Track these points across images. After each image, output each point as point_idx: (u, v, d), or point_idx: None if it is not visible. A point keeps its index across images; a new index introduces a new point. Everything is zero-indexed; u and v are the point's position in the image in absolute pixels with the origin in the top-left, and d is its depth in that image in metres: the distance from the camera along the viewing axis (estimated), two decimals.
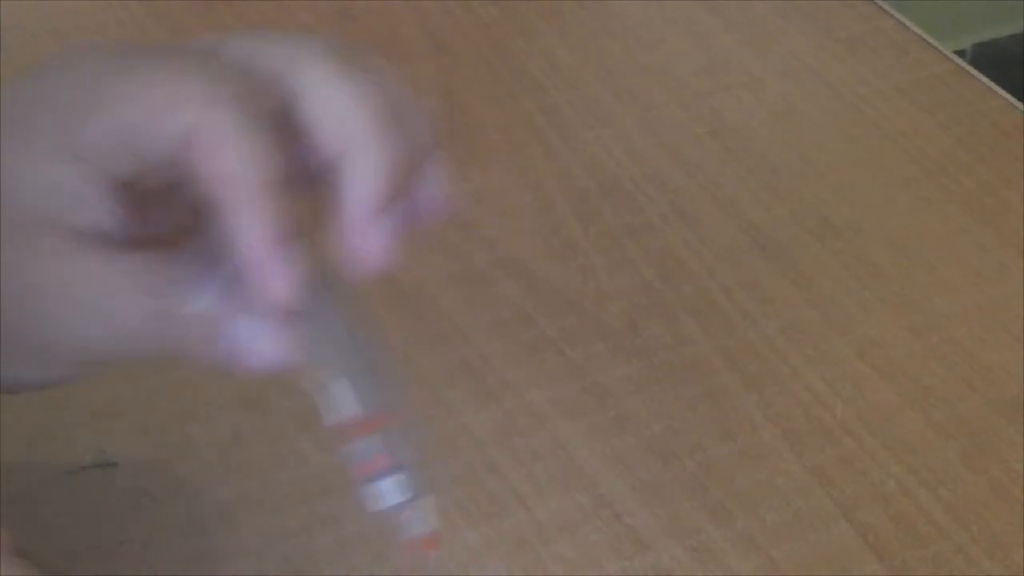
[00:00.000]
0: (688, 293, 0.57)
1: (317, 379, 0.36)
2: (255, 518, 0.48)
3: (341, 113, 0.35)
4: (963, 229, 0.61)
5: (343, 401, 0.36)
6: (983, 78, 0.69)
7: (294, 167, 0.35)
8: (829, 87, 0.68)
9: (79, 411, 0.51)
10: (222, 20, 0.69)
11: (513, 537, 0.48)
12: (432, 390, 0.53)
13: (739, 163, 0.63)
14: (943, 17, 1.83)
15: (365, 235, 0.36)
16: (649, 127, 0.65)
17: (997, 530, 0.49)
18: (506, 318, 0.56)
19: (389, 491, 0.36)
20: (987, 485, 0.51)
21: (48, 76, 0.36)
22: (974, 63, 0.70)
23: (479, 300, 0.56)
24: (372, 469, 0.36)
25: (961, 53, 1.83)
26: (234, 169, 0.33)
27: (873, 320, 0.57)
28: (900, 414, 0.53)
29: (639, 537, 0.48)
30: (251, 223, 0.34)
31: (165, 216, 0.36)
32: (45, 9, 0.69)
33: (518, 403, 0.52)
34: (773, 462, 0.51)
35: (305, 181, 0.36)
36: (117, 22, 0.69)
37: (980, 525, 0.50)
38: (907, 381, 0.54)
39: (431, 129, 0.37)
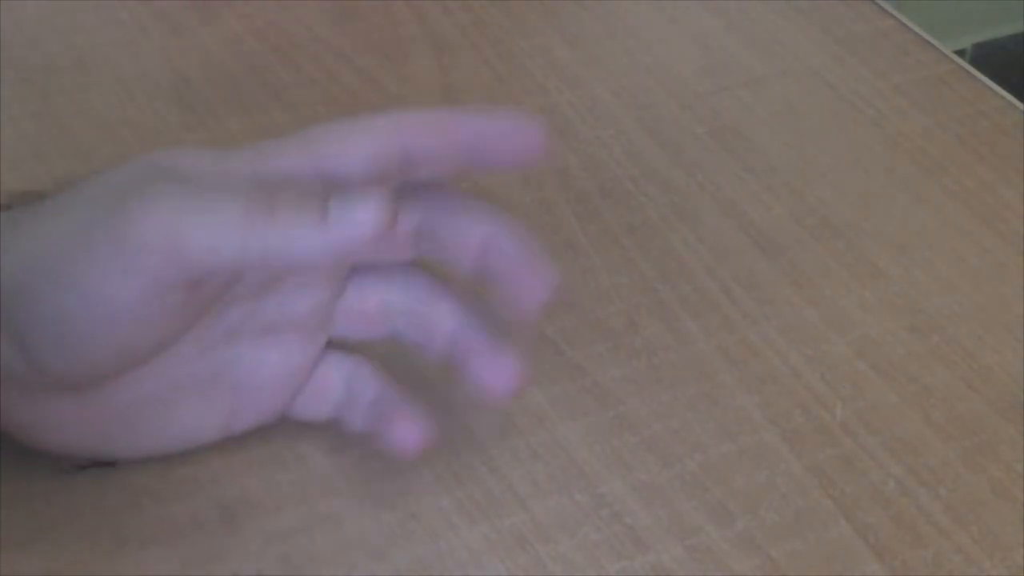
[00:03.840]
0: (688, 293, 0.57)
1: None
2: (255, 518, 0.48)
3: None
4: (963, 229, 0.61)
5: None
6: (983, 78, 0.69)
7: None
8: (829, 87, 0.68)
9: None
10: (222, 20, 0.69)
11: (513, 537, 0.48)
12: (432, 390, 0.52)
13: (739, 163, 0.64)
14: (943, 17, 1.83)
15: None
16: (649, 127, 0.65)
17: (997, 530, 0.49)
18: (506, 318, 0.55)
19: None
20: (987, 485, 0.51)
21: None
22: (974, 63, 0.70)
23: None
24: None
25: (961, 53, 1.83)
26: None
27: (873, 320, 0.57)
28: (900, 414, 0.53)
29: (639, 537, 0.48)
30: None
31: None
32: (45, 9, 0.69)
33: (518, 403, 0.52)
34: (773, 462, 0.51)
35: None
36: (117, 22, 0.69)
37: (980, 525, 0.50)
38: (907, 381, 0.54)
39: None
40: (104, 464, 0.48)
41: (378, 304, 0.47)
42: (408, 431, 0.45)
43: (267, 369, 0.45)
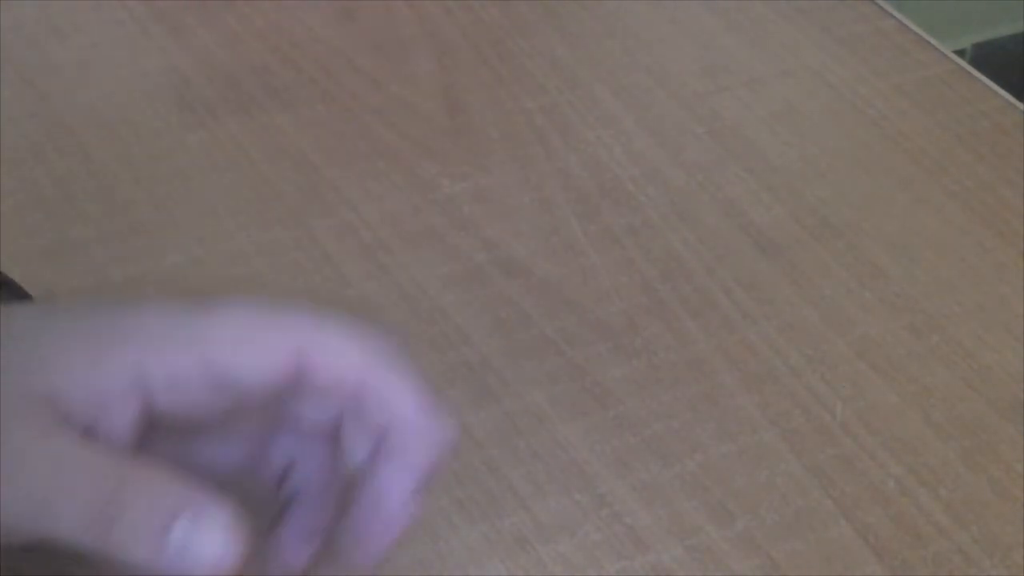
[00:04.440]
0: (688, 293, 0.57)
1: None
2: None
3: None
4: (963, 229, 0.61)
5: None
6: (983, 78, 0.69)
7: None
8: (829, 87, 0.68)
9: None
10: (222, 20, 0.69)
11: (513, 537, 0.48)
12: (432, 390, 0.52)
13: (739, 163, 0.64)
14: (943, 17, 1.83)
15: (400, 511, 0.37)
16: (649, 127, 0.65)
17: (997, 530, 0.49)
18: (506, 318, 0.56)
19: None
20: (987, 485, 0.51)
21: (120, 304, 0.36)
22: (974, 63, 0.70)
23: (479, 300, 0.56)
24: None
25: (961, 53, 1.83)
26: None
27: (873, 320, 0.57)
28: (900, 414, 0.53)
29: (639, 537, 0.48)
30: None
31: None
32: (45, 9, 0.69)
33: (518, 403, 0.52)
34: (773, 462, 0.51)
35: None
36: (117, 22, 0.69)
37: (980, 525, 0.50)
38: (907, 381, 0.54)
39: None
40: None
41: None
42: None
43: None
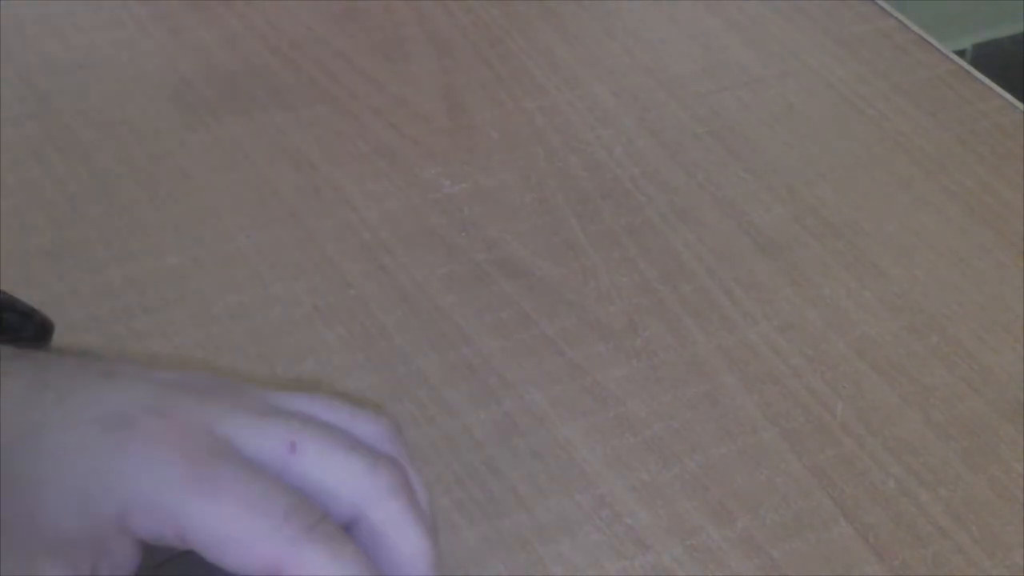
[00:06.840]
0: (688, 293, 0.57)
1: None
2: None
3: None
4: (963, 229, 0.61)
5: None
6: (983, 78, 0.69)
7: None
8: (829, 87, 0.68)
9: None
10: (222, 20, 0.69)
11: (513, 537, 0.48)
12: (432, 390, 0.53)
13: (739, 163, 0.64)
14: (943, 17, 1.83)
15: None
16: (649, 127, 0.65)
17: (997, 530, 0.49)
18: (506, 318, 0.56)
19: None
20: (987, 485, 0.51)
21: (115, 442, 0.36)
22: (974, 63, 0.70)
23: (479, 300, 0.56)
24: None
25: (961, 53, 1.83)
26: None
27: (873, 320, 0.57)
28: (900, 414, 0.53)
29: (639, 537, 0.48)
30: None
31: None
32: (45, 9, 0.69)
33: (518, 403, 0.52)
34: (773, 462, 0.51)
35: None
36: (117, 22, 0.69)
37: (980, 525, 0.50)
38: (907, 381, 0.54)
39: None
40: None
41: None
42: None
43: None
